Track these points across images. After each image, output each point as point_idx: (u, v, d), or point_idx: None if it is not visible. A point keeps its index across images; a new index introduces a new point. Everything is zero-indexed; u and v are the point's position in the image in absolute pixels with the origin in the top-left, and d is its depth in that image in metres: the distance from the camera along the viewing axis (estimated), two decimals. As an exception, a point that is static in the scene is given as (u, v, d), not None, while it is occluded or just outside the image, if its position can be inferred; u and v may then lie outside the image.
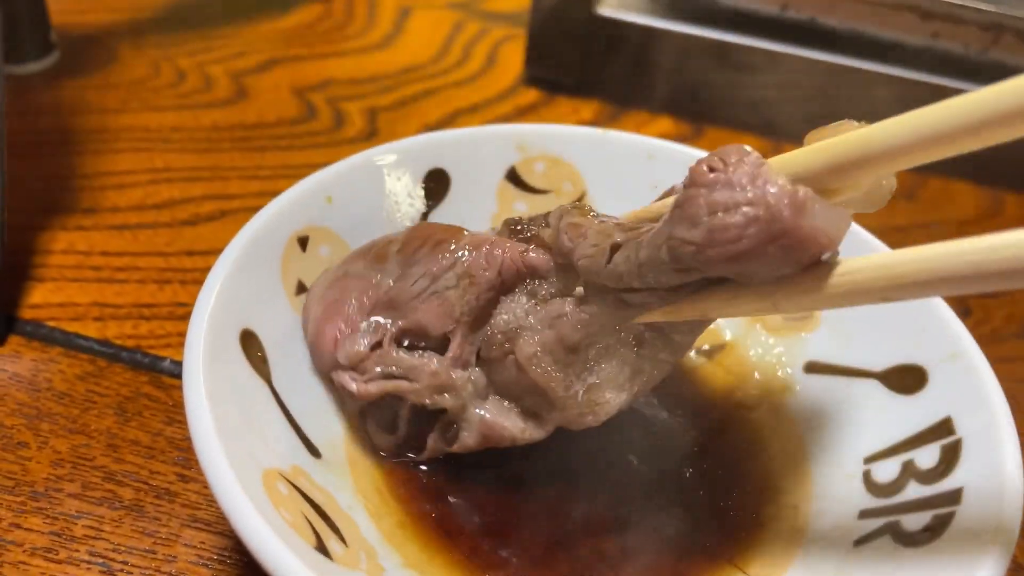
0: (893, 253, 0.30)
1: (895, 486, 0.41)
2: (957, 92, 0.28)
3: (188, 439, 0.47)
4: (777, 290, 0.33)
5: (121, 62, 0.78)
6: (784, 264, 0.31)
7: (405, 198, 0.51)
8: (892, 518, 0.39)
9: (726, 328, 0.52)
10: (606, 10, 0.77)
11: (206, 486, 0.45)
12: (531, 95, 0.80)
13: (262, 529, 0.31)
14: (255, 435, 0.37)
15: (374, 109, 0.76)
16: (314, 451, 0.41)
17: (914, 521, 0.38)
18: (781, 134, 0.78)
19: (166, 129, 0.71)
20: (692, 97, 0.79)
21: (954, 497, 0.38)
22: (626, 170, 0.54)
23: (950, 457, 0.39)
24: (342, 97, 0.77)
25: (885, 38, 0.74)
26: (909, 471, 0.41)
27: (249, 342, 0.40)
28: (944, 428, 0.41)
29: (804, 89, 0.77)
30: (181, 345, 0.52)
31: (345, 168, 0.48)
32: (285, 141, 0.71)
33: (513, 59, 0.85)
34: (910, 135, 0.29)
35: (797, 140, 0.53)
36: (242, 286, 0.41)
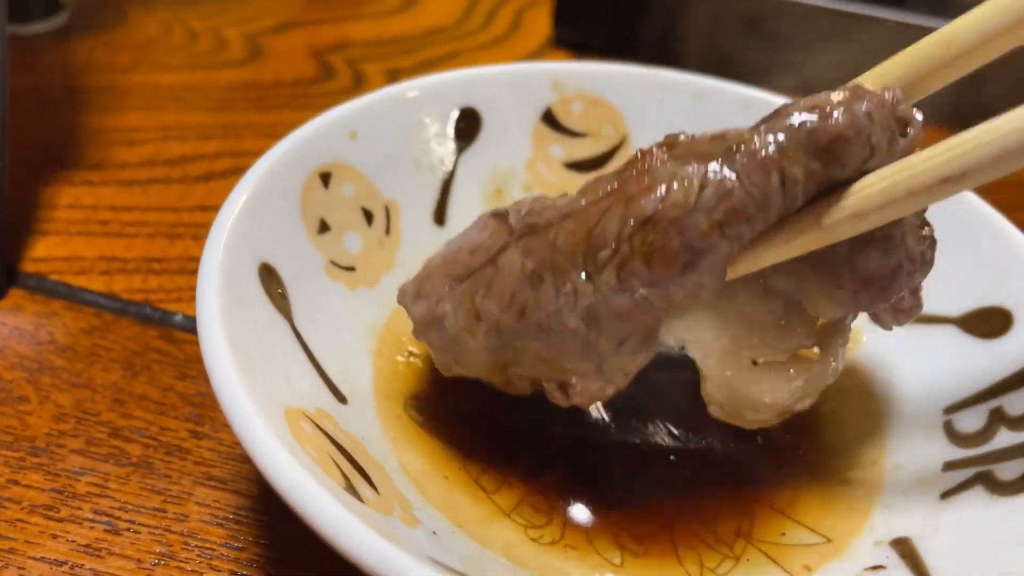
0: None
1: (983, 435, 0.37)
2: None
3: (201, 395, 0.44)
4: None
5: (130, 23, 0.75)
6: None
7: (434, 137, 0.47)
8: (982, 468, 0.35)
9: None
10: (638, -33, 0.74)
11: (221, 443, 0.41)
12: (560, 58, 0.77)
13: (287, 462, 0.27)
14: (276, 371, 0.33)
15: (395, 70, 0.72)
16: (340, 397, 0.37)
17: (1009, 469, 0.34)
18: (819, 89, 0.74)
19: (178, 88, 0.67)
20: (727, 57, 0.76)
21: (1055, 442, 0.34)
22: (672, 112, 0.50)
23: (1047, 400, 0.36)
24: (362, 59, 0.74)
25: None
26: (998, 418, 0.37)
27: (268, 277, 0.37)
28: (1036, 372, 0.37)
29: (846, 49, 0.73)
30: (194, 300, 0.49)
31: (370, 102, 0.45)
32: (302, 100, 0.68)
33: (540, 22, 0.81)
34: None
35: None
36: (260, 218, 0.38)
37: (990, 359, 0.39)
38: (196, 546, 0.37)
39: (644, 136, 0.50)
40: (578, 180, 0.49)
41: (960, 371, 0.40)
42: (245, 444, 0.28)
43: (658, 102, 0.50)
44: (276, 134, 0.41)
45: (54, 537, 0.37)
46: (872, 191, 0.30)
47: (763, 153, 0.30)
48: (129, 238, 0.53)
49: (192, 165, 0.59)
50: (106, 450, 0.41)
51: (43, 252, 0.51)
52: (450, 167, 0.47)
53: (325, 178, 0.42)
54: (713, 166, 0.31)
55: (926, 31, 0.70)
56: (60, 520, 0.38)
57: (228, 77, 0.69)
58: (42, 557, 0.36)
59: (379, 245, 0.44)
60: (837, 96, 0.31)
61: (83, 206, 0.55)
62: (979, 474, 0.35)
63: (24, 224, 0.53)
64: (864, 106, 0.30)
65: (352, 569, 0.36)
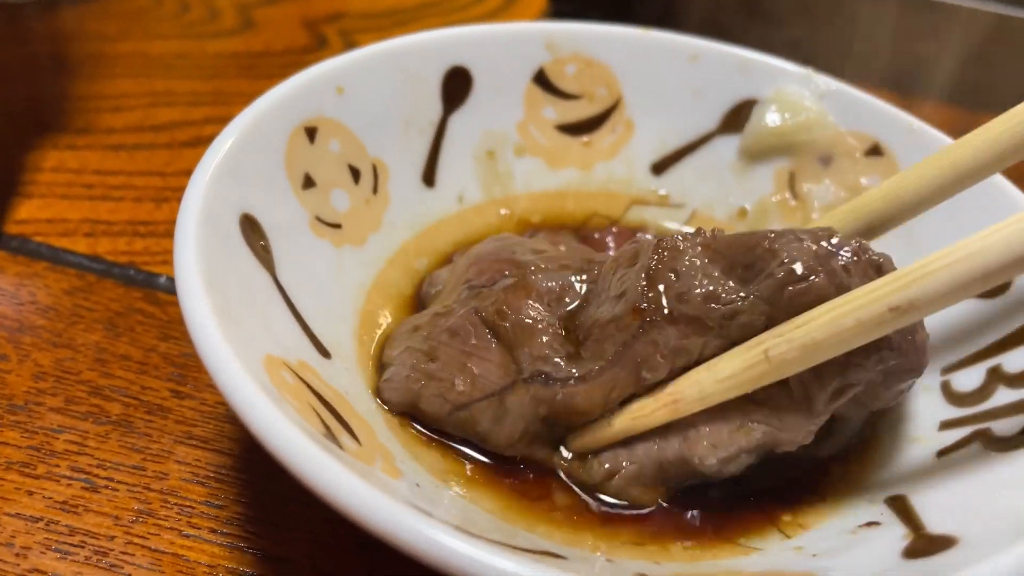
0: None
1: (980, 394, 0.36)
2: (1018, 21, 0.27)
3: (185, 355, 0.43)
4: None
5: (121, -7, 0.74)
6: None
7: (423, 97, 0.46)
8: (980, 425, 0.35)
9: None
10: (635, -62, 0.73)
11: (204, 403, 0.41)
12: (554, 31, 0.76)
13: (265, 406, 0.26)
14: (255, 318, 0.32)
15: (389, 41, 0.71)
16: (323, 351, 0.36)
17: (1007, 426, 0.34)
18: (819, 68, 0.73)
19: (168, 56, 0.66)
20: (726, 34, 0.75)
21: (1054, 397, 0.33)
22: (667, 74, 0.49)
23: (1045, 356, 0.35)
24: (355, 30, 0.73)
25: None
26: (996, 377, 0.36)
27: (250, 228, 0.36)
28: (1035, 329, 0.36)
29: (850, 24, 0.72)
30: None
31: (358, 57, 0.44)
32: (294, 70, 0.66)
33: (535, -5, 0.80)
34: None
35: (835, 73, 0.49)
36: (242, 168, 0.37)
37: (988, 318, 0.38)
38: (176, 504, 0.36)
39: (638, 98, 0.49)
40: (571, 143, 0.48)
41: (958, 331, 0.39)
42: (221, 387, 0.27)
43: (653, 64, 0.49)
44: (267, 101, 0.41)
45: (30, 494, 0.36)
46: (821, 322, 0.30)
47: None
48: (115, 201, 0.52)
49: (180, 131, 0.58)
50: (85, 408, 0.40)
51: (26, 214, 0.50)
52: (440, 127, 0.47)
53: (311, 132, 0.41)
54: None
55: (923, 4, 0.69)
56: (37, 477, 0.37)
57: (219, 46, 0.69)
58: (17, 513, 0.35)
59: (366, 204, 0.43)
60: (815, 251, 0.32)
61: (68, 169, 0.54)
62: (977, 432, 0.34)
63: (7, 187, 0.52)
64: (841, 261, 0.32)
65: (333, 527, 0.36)
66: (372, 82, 0.44)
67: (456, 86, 0.47)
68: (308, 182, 0.40)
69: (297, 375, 0.32)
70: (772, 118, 0.47)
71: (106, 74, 0.63)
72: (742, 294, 0.33)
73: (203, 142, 0.57)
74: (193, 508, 0.36)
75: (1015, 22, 0.66)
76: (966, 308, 0.39)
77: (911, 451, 0.36)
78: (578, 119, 0.49)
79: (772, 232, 0.33)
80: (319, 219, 0.40)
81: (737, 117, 0.48)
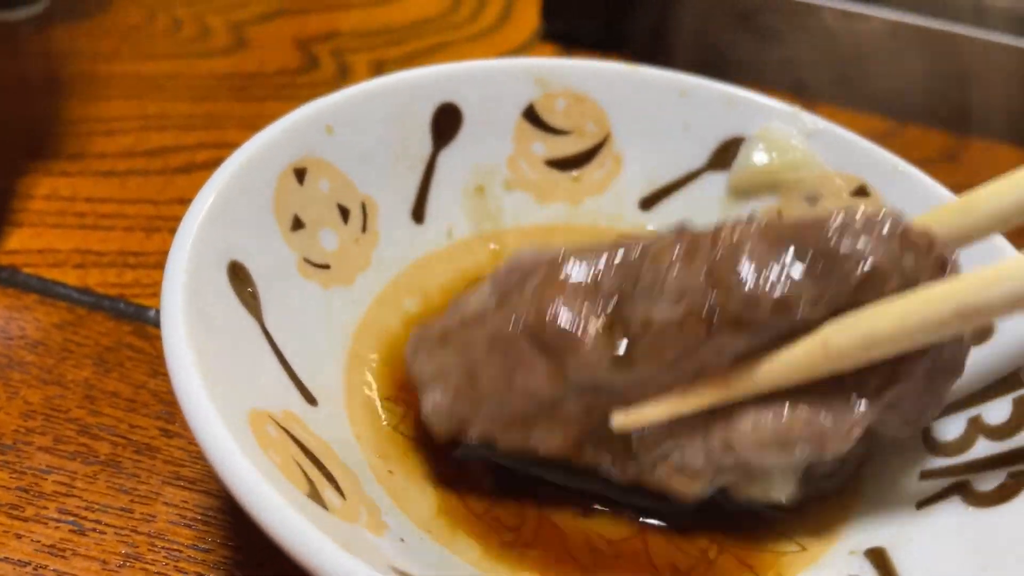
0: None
1: (960, 444, 0.37)
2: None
3: (173, 392, 0.43)
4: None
5: (114, 10, 0.74)
6: None
7: (413, 134, 0.46)
8: (960, 478, 0.35)
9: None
10: (628, -41, 0.73)
11: (192, 442, 0.41)
12: (548, 51, 0.76)
13: (246, 470, 0.27)
14: (241, 371, 0.33)
15: (381, 62, 0.72)
16: (310, 398, 0.36)
17: (986, 480, 0.34)
18: (814, 95, 0.73)
19: (160, 77, 0.66)
20: (719, 53, 0.75)
21: (1033, 453, 0.33)
22: (656, 109, 0.49)
23: (1024, 410, 0.35)
24: (347, 49, 0.73)
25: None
26: (977, 427, 0.37)
27: (238, 275, 0.36)
28: (1016, 380, 0.37)
29: (841, 46, 0.72)
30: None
31: (347, 96, 0.44)
32: (287, 91, 0.67)
33: (529, 13, 0.80)
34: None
35: (830, 101, 0.49)
36: (230, 215, 0.37)
37: (970, 367, 0.38)
38: (163, 547, 0.37)
39: (627, 133, 0.50)
40: (559, 178, 0.49)
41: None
42: (205, 450, 0.28)
43: (642, 99, 0.49)
44: (258, 125, 0.41)
45: (18, 537, 0.36)
46: (885, 317, 0.30)
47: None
48: (105, 231, 0.52)
49: (172, 156, 0.59)
50: (74, 448, 0.40)
51: (16, 244, 0.50)
52: (430, 163, 0.47)
53: (300, 174, 0.41)
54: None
55: (917, 30, 0.69)
56: (25, 520, 0.37)
57: (211, 66, 0.69)
58: (6, 557, 0.36)
59: (355, 243, 0.43)
60: (889, 245, 0.31)
61: (60, 197, 0.54)
62: (956, 484, 0.35)
63: (-1, 215, 0.52)
64: (913, 258, 0.31)
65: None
66: (361, 120, 0.44)
67: (446, 122, 0.47)
68: (297, 224, 0.41)
69: (282, 427, 0.32)
70: (759, 157, 0.47)
71: (98, 95, 0.63)
72: (814, 301, 0.31)
73: (196, 168, 0.58)
74: (180, 552, 0.37)
75: (1005, 48, 0.66)
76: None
77: (892, 501, 0.36)
78: (567, 154, 0.49)
79: (839, 217, 0.32)
80: (307, 260, 0.41)
81: (725, 154, 0.48)
